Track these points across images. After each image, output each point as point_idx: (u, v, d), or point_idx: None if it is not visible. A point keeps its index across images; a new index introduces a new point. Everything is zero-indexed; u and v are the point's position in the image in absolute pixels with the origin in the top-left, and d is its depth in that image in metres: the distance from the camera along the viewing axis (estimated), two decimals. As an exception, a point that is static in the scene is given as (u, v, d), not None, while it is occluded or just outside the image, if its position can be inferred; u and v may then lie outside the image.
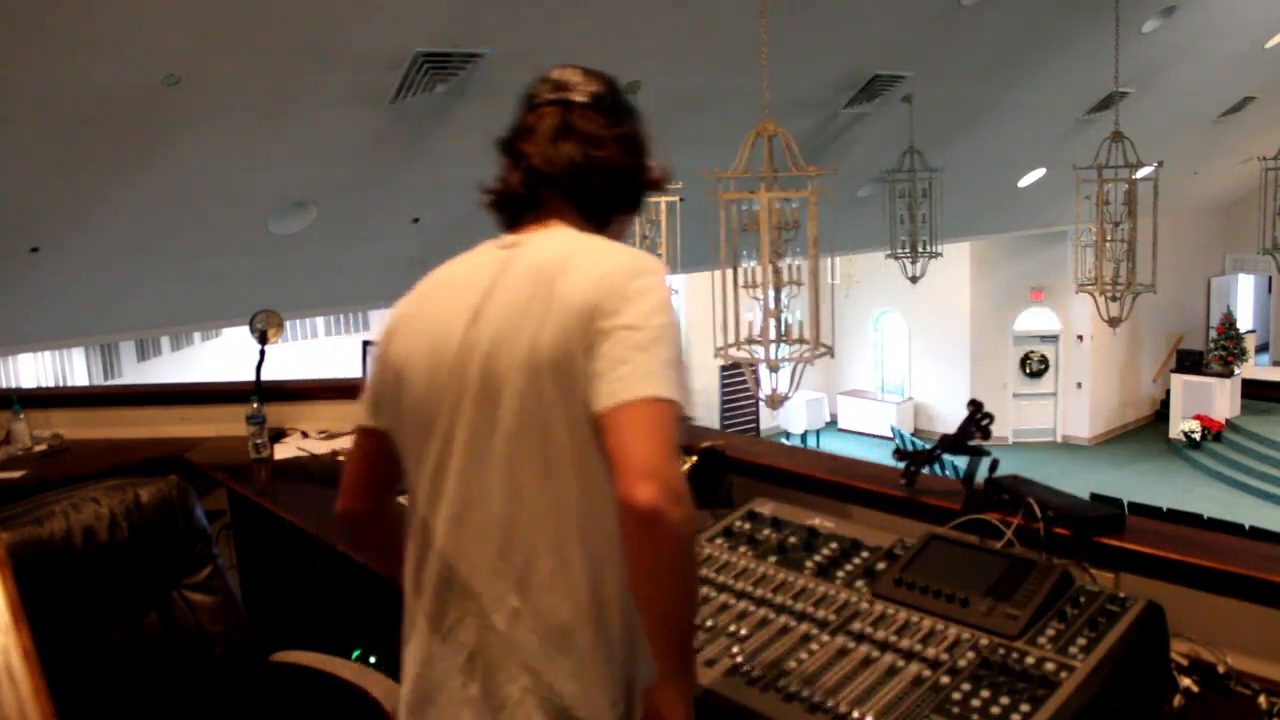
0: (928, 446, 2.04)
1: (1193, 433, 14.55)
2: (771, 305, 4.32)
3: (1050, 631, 1.44)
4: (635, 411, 1.20)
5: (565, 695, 1.25)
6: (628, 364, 1.22)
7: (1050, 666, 1.36)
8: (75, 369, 11.53)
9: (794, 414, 15.83)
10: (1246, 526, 8.10)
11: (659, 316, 1.27)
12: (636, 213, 1.54)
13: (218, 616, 2.08)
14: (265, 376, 3.36)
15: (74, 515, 1.93)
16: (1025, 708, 1.29)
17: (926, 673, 1.40)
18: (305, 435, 3.43)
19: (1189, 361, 15.51)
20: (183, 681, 2.01)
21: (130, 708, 1.95)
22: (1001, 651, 1.41)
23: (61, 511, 1.92)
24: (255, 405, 3.19)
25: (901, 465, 2.09)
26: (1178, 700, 1.50)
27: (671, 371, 1.24)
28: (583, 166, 1.40)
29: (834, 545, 1.78)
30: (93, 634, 1.92)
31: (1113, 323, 6.60)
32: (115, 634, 1.96)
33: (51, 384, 11.04)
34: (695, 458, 2.28)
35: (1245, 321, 16.95)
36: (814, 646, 1.49)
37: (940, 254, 9.38)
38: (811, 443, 15.84)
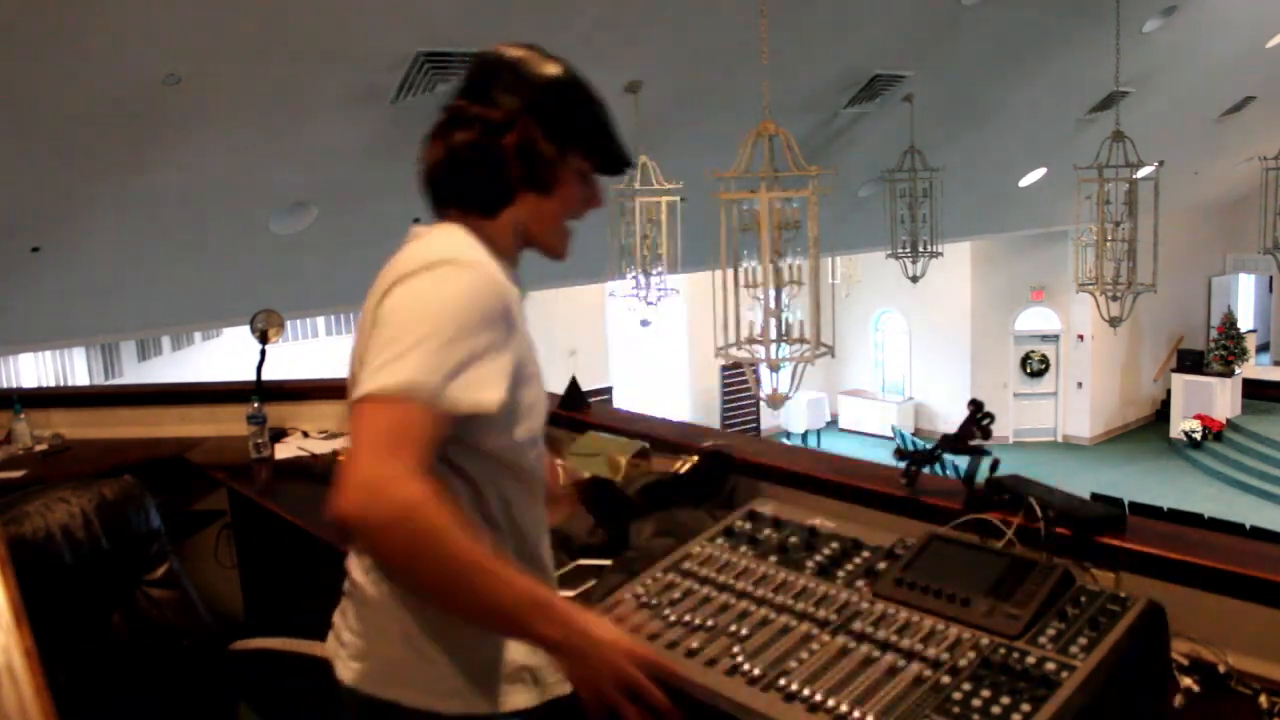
0: (928, 446, 2.04)
1: (1193, 432, 14.55)
2: (772, 305, 4.32)
3: (1051, 631, 1.44)
4: (354, 415, 1.17)
5: None
6: (371, 359, 1.19)
7: (1051, 666, 1.36)
8: (76, 369, 11.52)
9: (795, 414, 15.83)
10: (1247, 526, 8.10)
11: (424, 301, 1.22)
12: (527, 191, 1.38)
13: (180, 610, 2.09)
14: (266, 376, 3.36)
15: (49, 515, 1.93)
16: (1026, 707, 1.29)
17: (927, 672, 1.40)
18: (306, 435, 3.43)
19: (1190, 361, 15.52)
20: (159, 674, 2.02)
21: (118, 702, 1.95)
22: (1002, 651, 1.41)
23: (36, 512, 1.93)
24: (256, 405, 3.19)
25: (902, 465, 2.09)
26: (1178, 700, 1.50)
27: (419, 356, 1.17)
28: (444, 160, 1.38)
29: (835, 545, 1.78)
30: (74, 631, 1.93)
31: (1113, 322, 6.60)
32: (89, 630, 1.97)
33: (52, 384, 11.03)
34: (696, 458, 2.28)
35: (1246, 321, 16.95)
36: (814, 646, 1.49)
37: (941, 254, 9.37)
38: (812, 442, 15.85)
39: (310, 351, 13.63)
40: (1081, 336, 15.25)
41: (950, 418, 14.48)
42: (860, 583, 1.67)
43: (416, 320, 1.21)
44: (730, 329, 4.36)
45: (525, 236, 1.42)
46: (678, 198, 6.27)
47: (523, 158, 1.36)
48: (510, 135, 1.36)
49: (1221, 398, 14.89)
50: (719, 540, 1.87)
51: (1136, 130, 6.75)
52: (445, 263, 1.26)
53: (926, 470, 2.07)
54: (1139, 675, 1.42)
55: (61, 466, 3.15)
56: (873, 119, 8.36)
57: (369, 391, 1.16)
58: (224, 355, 12.73)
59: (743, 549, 1.82)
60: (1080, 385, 15.53)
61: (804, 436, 15.91)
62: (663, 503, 2.17)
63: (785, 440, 15.39)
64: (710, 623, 1.60)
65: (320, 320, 13.90)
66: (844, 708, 1.35)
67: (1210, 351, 15.67)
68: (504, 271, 1.34)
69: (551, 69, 1.39)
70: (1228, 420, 14.69)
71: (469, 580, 1.16)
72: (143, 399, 3.76)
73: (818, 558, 1.75)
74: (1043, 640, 1.42)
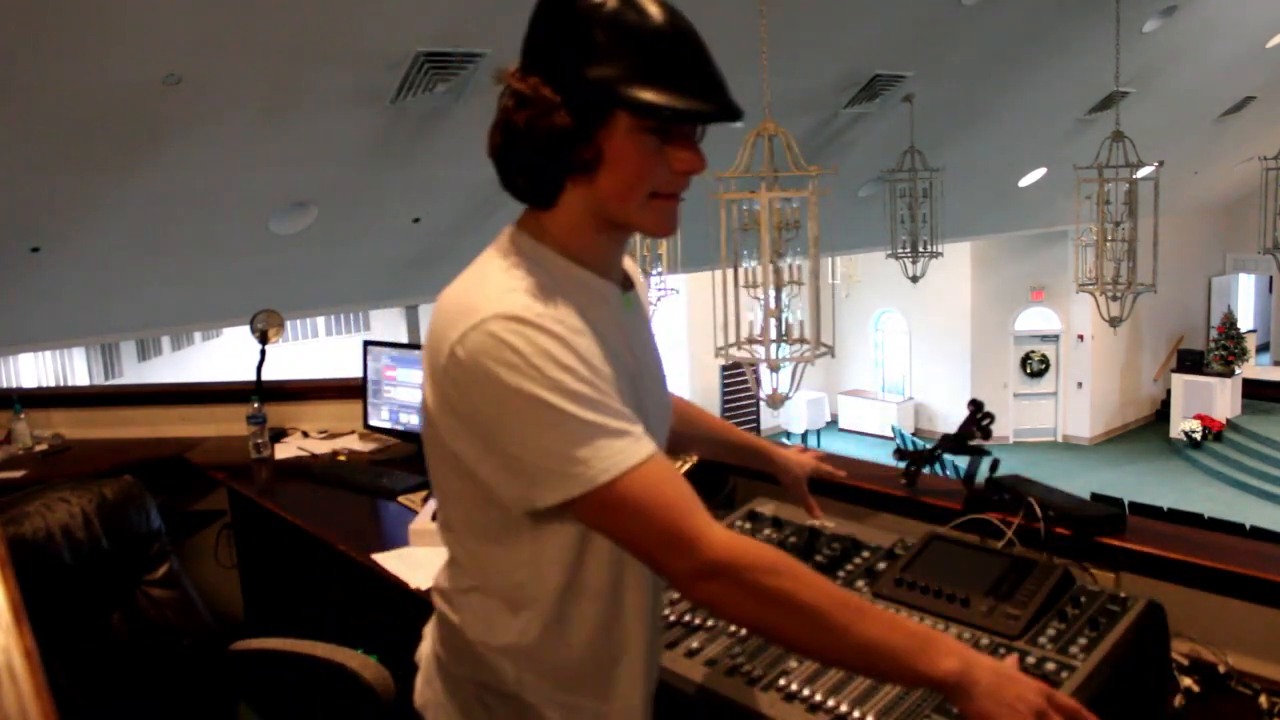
0: (928, 446, 2.04)
1: (1193, 432, 14.54)
2: (772, 305, 4.32)
3: (1051, 631, 1.44)
4: (609, 508, 1.04)
5: None
6: (540, 457, 1.03)
7: (1051, 666, 1.36)
8: (76, 369, 11.53)
9: (795, 414, 15.83)
10: (1247, 526, 8.09)
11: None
12: (573, 174, 1.07)
13: (181, 610, 2.09)
14: (266, 376, 3.36)
15: (49, 515, 1.93)
16: (1026, 707, 1.29)
17: (927, 672, 1.40)
18: (306, 435, 3.43)
19: (1190, 361, 15.51)
20: (159, 674, 2.03)
21: (118, 702, 1.96)
22: (1002, 651, 1.41)
23: (36, 512, 1.93)
24: (256, 405, 3.19)
25: (902, 465, 2.09)
26: (1178, 700, 1.50)
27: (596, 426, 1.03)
28: (500, 143, 1.09)
29: (835, 545, 1.78)
30: (74, 631, 1.93)
31: (1113, 322, 6.60)
32: (89, 630, 1.97)
33: (52, 384, 11.04)
34: (695, 458, 2.28)
35: (1246, 321, 16.95)
36: (814, 646, 1.49)
37: (941, 254, 9.37)
38: (812, 442, 15.83)
39: (310, 351, 13.66)
40: (1081, 336, 15.25)
41: (950, 418, 14.49)
42: (860, 583, 1.67)
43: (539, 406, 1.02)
44: (730, 329, 4.36)
45: (606, 219, 1.12)
46: (678, 198, 6.26)
47: (547, 136, 1.04)
48: (525, 109, 1.04)
49: (1221, 398, 14.89)
50: (719, 540, 1.86)
51: (1136, 130, 6.75)
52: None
53: (926, 470, 2.07)
54: (1139, 675, 1.42)
55: (61, 466, 3.15)
56: (873, 119, 8.35)
57: (602, 483, 1.01)
58: (224, 355, 12.75)
59: (743, 549, 1.82)
60: (1080, 385, 15.53)
61: (804, 436, 15.90)
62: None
63: (785, 440, 15.38)
64: (710, 623, 1.60)
65: (320, 320, 13.91)
66: (844, 708, 1.35)
67: (1210, 351, 15.67)
68: (578, 277, 1.11)
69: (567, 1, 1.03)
70: (1228, 420, 14.69)
71: (836, 623, 1.04)
72: (143, 399, 3.75)
73: (818, 558, 1.75)
74: (1043, 640, 1.42)
